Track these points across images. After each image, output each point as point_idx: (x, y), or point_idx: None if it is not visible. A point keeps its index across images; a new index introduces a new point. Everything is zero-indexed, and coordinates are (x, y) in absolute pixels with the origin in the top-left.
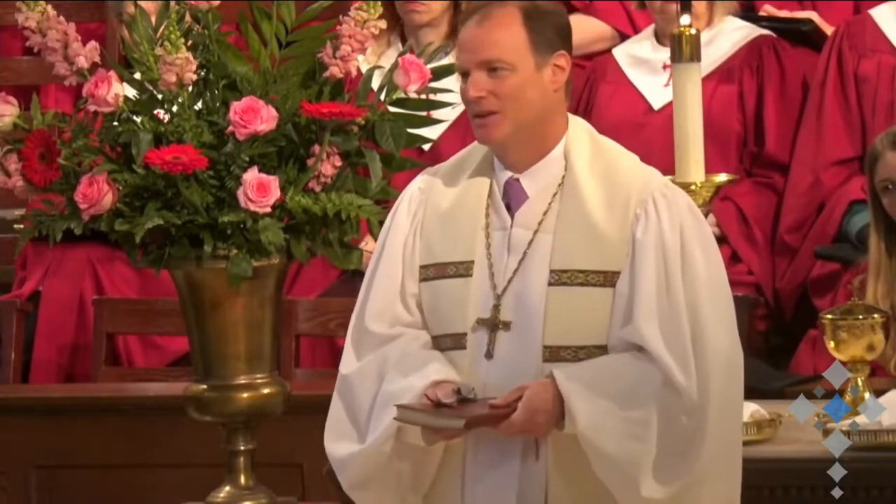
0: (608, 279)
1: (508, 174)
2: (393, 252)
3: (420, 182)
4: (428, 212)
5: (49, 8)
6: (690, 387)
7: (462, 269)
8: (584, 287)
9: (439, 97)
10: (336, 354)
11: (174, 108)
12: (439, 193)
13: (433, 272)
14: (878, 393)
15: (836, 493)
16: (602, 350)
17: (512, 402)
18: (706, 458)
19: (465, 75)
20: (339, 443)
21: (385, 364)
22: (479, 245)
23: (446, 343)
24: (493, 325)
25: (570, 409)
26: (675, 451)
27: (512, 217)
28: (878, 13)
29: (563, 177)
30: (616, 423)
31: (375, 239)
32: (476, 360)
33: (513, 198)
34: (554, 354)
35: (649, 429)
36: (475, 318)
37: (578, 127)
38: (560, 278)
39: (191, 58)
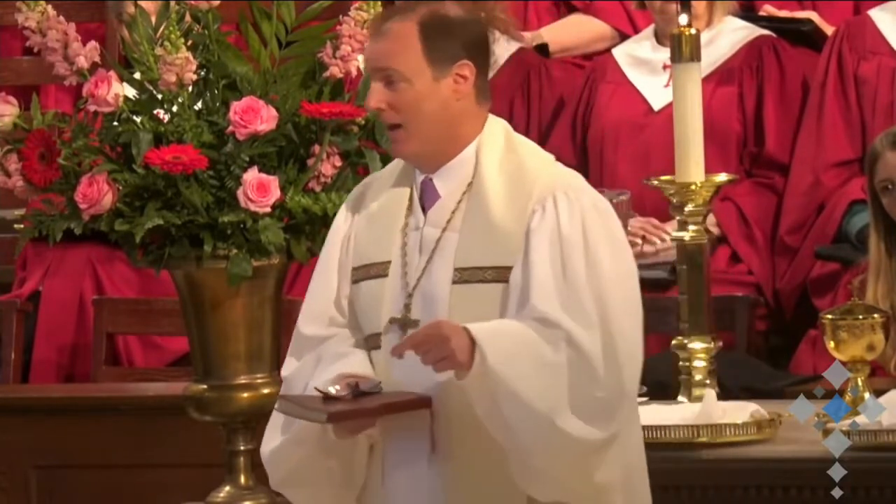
0: (502, 275)
1: (424, 174)
2: (331, 256)
3: (360, 186)
4: (361, 214)
5: (49, 8)
6: (594, 341)
7: (381, 270)
8: (482, 284)
9: None
10: None
11: (174, 108)
12: (372, 196)
13: (361, 274)
14: (878, 393)
15: (836, 493)
16: None
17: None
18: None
19: None
20: (269, 442)
21: (319, 362)
22: (396, 245)
23: (370, 343)
24: (404, 324)
25: (481, 347)
26: (587, 413)
27: (426, 217)
28: (877, 15)
29: (473, 176)
30: (526, 363)
31: None
32: (389, 360)
33: (427, 198)
34: None
35: (560, 375)
36: (388, 317)
37: (495, 126)
38: (462, 276)
39: (191, 58)
